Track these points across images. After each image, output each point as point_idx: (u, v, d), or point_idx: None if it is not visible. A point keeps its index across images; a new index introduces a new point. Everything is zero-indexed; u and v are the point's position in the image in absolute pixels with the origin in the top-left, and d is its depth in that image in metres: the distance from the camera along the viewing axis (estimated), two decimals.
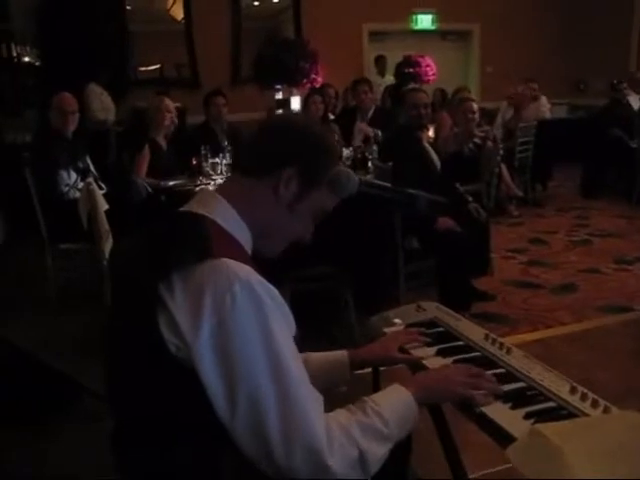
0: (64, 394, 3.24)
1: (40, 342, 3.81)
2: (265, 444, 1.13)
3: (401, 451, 1.43)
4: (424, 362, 1.63)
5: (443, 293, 3.94)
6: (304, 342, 1.41)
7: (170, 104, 5.22)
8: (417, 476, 1.77)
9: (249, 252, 1.36)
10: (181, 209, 1.35)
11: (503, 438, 1.29)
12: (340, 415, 1.24)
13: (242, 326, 1.13)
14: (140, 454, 1.26)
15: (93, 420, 2.87)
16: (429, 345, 1.70)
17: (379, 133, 5.30)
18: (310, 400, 1.17)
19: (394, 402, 1.32)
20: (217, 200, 1.33)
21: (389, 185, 1.44)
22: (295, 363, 1.18)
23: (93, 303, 4.06)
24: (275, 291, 1.20)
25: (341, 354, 1.67)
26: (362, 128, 5.73)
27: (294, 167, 1.34)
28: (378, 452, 1.22)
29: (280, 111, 8.23)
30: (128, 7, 9.39)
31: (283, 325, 1.19)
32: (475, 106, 5.18)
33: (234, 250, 1.26)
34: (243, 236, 1.33)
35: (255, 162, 1.38)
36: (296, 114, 1.53)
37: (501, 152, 6.10)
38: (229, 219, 1.32)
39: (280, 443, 1.13)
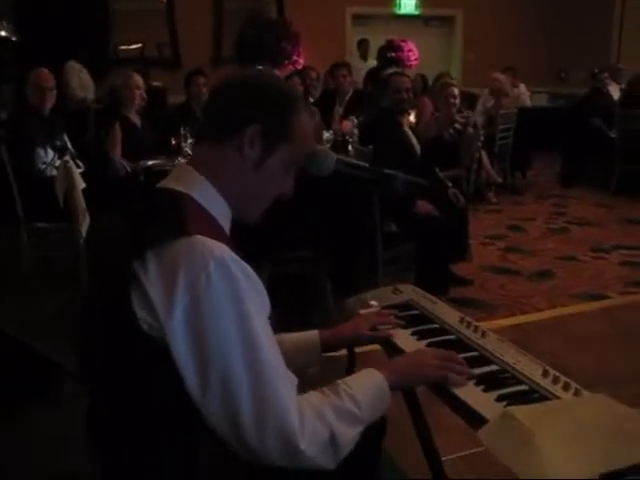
0: (41, 374, 3.21)
1: (16, 321, 3.78)
2: (237, 425, 1.13)
3: (375, 434, 1.43)
4: (398, 343, 1.63)
5: (421, 277, 3.95)
6: (280, 325, 1.41)
7: (139, 80, 5.18)
8: (390, 459, 1.78)
9: (227, 228, 1.34)
10: (158, 185, 1.33)
11: (475, 420, 1.30)
12: (313, 397, 1.24)
13: (216, 306, 1.12)
14: (113, 436, 1.25)
15: (72, 401, 2.86)
16: (404, 327, 1.70)
17: (354, 120, 5.29)
18: (283, 382, 1.17)
19: (367, 385, 1.32)
20: (192, 175, 1.31)
21: (366, 165, 1.42)
22: (269, 344, 1.17)
23: (69, 282, 4.02)
24: (250, 269, 1.18)
25: (313, 334, 1.66)
26: (342, 122, 5.72)
27: (256, 124, 1.30)
28: (350, 434, 1.23)
29: None
30: None
31: (258, 305, 1.18)
32: (456, 91, 5.17)
33: (210, 227, 1.24)
34: (220, 211, 1.32)
35: (216, 126, 1.35)
36: (252, 71, 1.48)
37: (481, 138, 6.13)
38: (205, 194, 1.30)
39: (252, 425, 1.12)
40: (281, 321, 1.39)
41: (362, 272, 3.75)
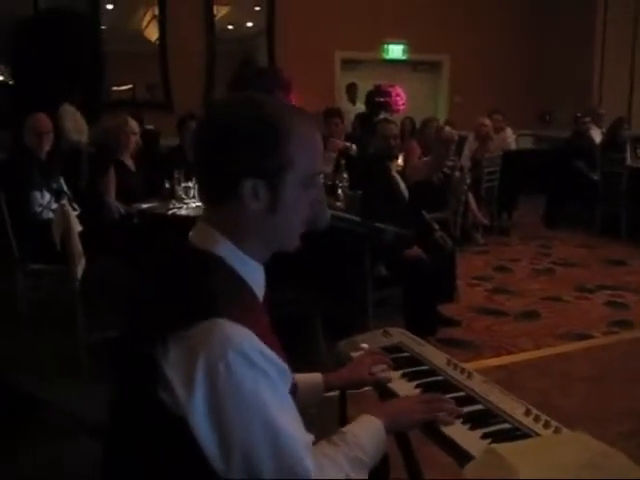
0: (30, 413, 3.24)
1: (9, 363, 3.82)
2: None
3: (379, 474, 1.51)
4: (389, 385, 1.72)
5: (409, 319, 4.04)
6: None
7: (135, 126, 5.30)
8: None
9: (261, 283, 1.34)
10: (190, 241, 1.31)
11: (462, 457, 1.39)
12: (326, 448, 1.32)
13: (235, 392, 1.14)
14: None
15: (60, 440, 2.90)
16: (395, 369, 1.79)
17: (354, 147, 5.38)
18: (302, 450, 1.20)
19: (369, 431, 1.41)
20: (215, 237, 1.27)
21: (358, 219, 1.51)
22: (287, 418, 1.20)
23: (63, 324, 4.07)
24: (267, 350, 1.18)
25: (316, 377, 1.75)
26: (334, 143, 5.84)
27: (248, 178, 1.24)
28: (361, 479, 1.32)
29: None
30: (103, 27, 9.44)
31: (276, 382, 1.20)
32: (455, 135, 5.30)
33: (240, 294, 1.25)
34: (250, 270, 1.30)
35: (211, 190, 1.31)
36: (221, 106, 1.36)
37: (468, 181, 6.26)
38: (232, 256, 1.27)
39: None
40: None
41: (353, 314, 3.84)
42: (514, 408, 1.54)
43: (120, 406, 1.29)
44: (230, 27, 10.49)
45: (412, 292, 4.03)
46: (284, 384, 1.24)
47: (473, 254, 6.82)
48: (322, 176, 1.37)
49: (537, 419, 1.48)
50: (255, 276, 1.33)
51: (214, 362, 1.13)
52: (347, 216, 1.51)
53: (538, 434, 1.43)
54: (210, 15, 9.99)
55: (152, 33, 9.99)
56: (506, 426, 1.49)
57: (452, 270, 4.63)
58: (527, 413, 1.51)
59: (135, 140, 5.30)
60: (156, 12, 9.74)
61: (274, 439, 1.17)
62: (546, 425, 1.45)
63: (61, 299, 4.29)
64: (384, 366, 1.79)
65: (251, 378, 1.15)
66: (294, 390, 1.34)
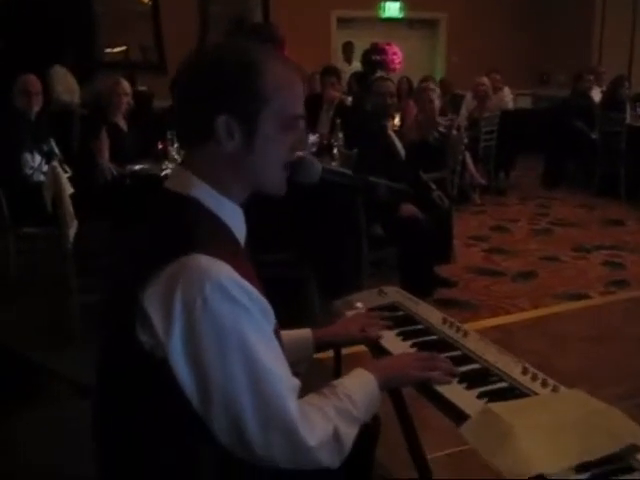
0: (29, 379, 3.23)
1: (4, 326, 3.79)
2: (242, 435, 1.16)
3: (369, 433, 1.48)
4: (384, 344, 1.68)
5: (405, 280, 4.01)
6: None
7: (126, 86, 5.23)
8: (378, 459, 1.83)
9: (240, 227, 1.32)
10: (165, 187, 1.29)
11: (458, 417, 1.35)
12: (313, 399, 1.28)
13: (213, 327, 1.12)
14: (116, 444, 1.27)
15: (57, 404, 2.88)
16: (389, 328, 1.75)
17: (349, 99, 5.27)
18: (286, 391, 1.18)
19: (361, 386, 1.37)
20: (192, 180, 1.26)
21: (350, 172, 1.46)
22: (270, 357, 1.18)
23: (56, 287, 4.04)
24: (248, 286, 1.16)
25: (305, 332, 1.70)
26: (330, 93, 5.76)
27: (221, 114, 1.21)
28: (351, 432, 1.27)
29: None
30: None
31: (258, 320, 1.18)
32: (434, 95, 5.23)
33: (218, 235, 1.23)
34: (229, 213, 1.28)
35: (186, 132, 1.31)
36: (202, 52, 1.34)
37: (465, 141, 6.19)
38: (210, 198, 1.25)
39: (257, 434, 1.15)
40: None
41: (347, 274, 3.80)
42: (511, 367, 1.51)
43: (104, 355, 1.28)
44: None
45: (408, 252, 3.99)
46: (267, 323, 1.21)
47: (470, 214, 6.78)
48: (303, 121, 1.34)
49: (534, 378, 1.44)
50: (234, 218, 1.31)
51: (191, 297, 1.11)
52: (339, 169, 1.46)
53: (535, 393, 1.40)
54: None
55: None
56: (503, 385, 1.46)
57: (449, 230, 4.58)
58: (524, 372, 1.47)
59: (127, 101, 5.21)
60: None
61: (255, 378, 1.15)
62: (544, 384, 1.42)
63: (54, 262, 4.24)
64: (379, 327, 1.75)
65: (231, 313, 1.13)
66: (278, 333, 1.29)
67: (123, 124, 5.21)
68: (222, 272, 1.14)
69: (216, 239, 1.21)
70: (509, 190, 7.94)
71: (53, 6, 7.83)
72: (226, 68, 1.23)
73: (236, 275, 1.15)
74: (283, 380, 1.19)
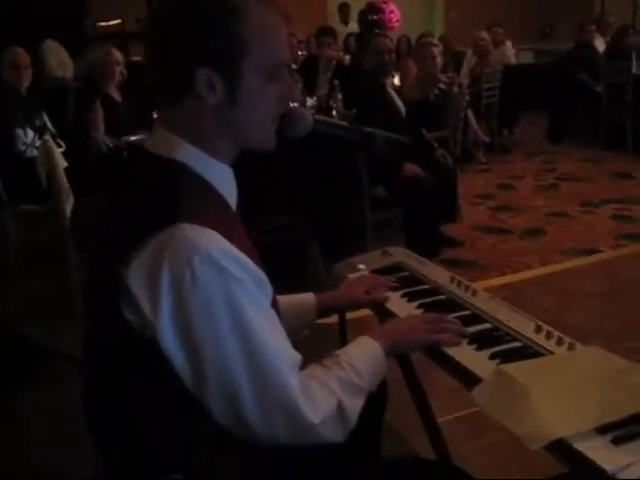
0: (31, 358, 3.19)
1: (4, 305, 3.75)
2: (241, 415, 1.09)
3: (377, 401, 1.41)
4: (389, 306, 1.60)
5: (411, 240, 3.93)
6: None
7: (118, 56, 5.11)
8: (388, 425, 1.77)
9: (231, 190, 1.23)
10: (146, 151, 1.19)
11: (470, 380, 1.28)
12: (315, 371, 1.21)
13: (204, 302, 1.04)
14: (109, 424, 1.20)
15: (59, 382, 2.84)
16: (395, 289, 1.67)
17: (347, 57, 5.17)
18: (284, 363, 1.11)
19: (365, 354, 1.29)
20: (175, 142, 1.16)
21: (345, 124, 1.37)
22: (268, 331, 1.10)
23: (56, 264, 3.98)
24: (241, 256, 1.08)
25: (309, 296, 1.63)
26: (327, 52, 5.65)
27: (201, 66, 1.11)
28: (355, 405, 1.20)
29: None
30: None
31: (253, 292, 1.09)
32: (436, 50, 5.09)
33: (206, 200, 1.14)
34: (217, 174, 1.19)
35: (163, 87, 1.18)
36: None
37: (467, 98, 6.04)
38: (195, 160, 1.16)
39: (257, 413, 1.08)
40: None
41: (351, 236, 3.73)
42: (524, 325, 1.43)
43: (90, 334, 1.20)
44: None
45: (413, 213, 3.91)
46: (263, 294, 1.13)
47: (475, 173, 6.67)
48: (289, 68, 1.26)
49: (549, 336, 1.36)
50: (223, 180, 1.21)
51: (179, 270, 1.03)
52: (333, 121, 1.37)
53: (551, 352, 1.32)
54: None
55: None
56: (516, 344, 1.38)
57: (454, 189, 4.49)
58: (538, 330, 1.39)
59: (120, 71, 5.09)
60: None
61: (252, 354, 1.07)
62: (559, 342, 1.34)
63: (52, 239, 4.17)
64: (383, 288, 1.67)
65: (222, 286, 1.04)
66: (275, 305, 1.21)
67: (117, 95, 5.11)
68: (211, 242, 1.05)
69: (204, 205, 1.11)
70: (513, 147, 7.81)
71: None
72: (203, 14, 1.11)
73: (227, 244, 1.06)
74: (282, 355, 1.11)
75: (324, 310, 1.63)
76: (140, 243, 1.05)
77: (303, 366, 1.19)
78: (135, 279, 1.05)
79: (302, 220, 3.54)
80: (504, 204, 5.58)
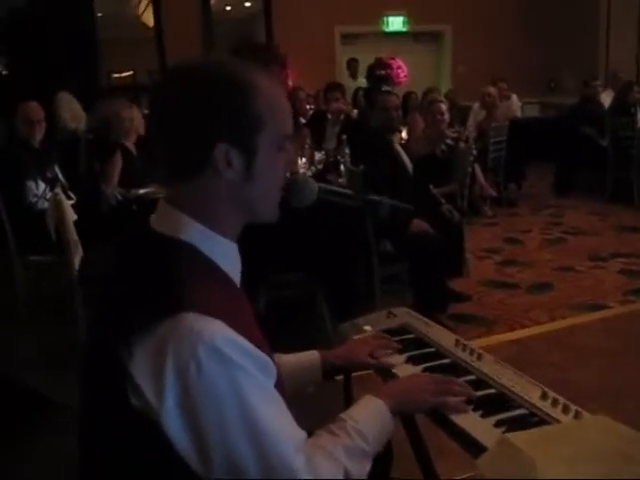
0: (32, 408, 3.18)
1: (7, 355, 3.74)
2: None
3: (382, 463, 1.41)
4: (394, 370, 1.59)
5: (418, 295, 3.94)
6: (279, 350, 1.37)
7: (137, 113, 5.22)
8: None
9: (236, 266, 1.24)
10: (153, 228, 1.18)
11: (474, 447, 1.26)
12: (322, 440, 1.20)
13: (209, 392, 1.04)
14: None
15: (60, 434, 2.82)
16: (399, 352, 1.67)
17: (355, 111, 5.23)
18: (291, 450, 1.10)
19: (371, 416, 1.29)
20: (181, 220, 1.16)
21: (350, 192, 1.39)
22: (272, 416, 1.10)
23: (62, 315, 3.99)
24: (244, 342, 1.07)
25: (312, 355, 1.63)
26: (336, 106, 5.71)
27: (220, 142, 1.12)
28: (362, 469, 1.20)
29: None
30: (99, 14, 9.33)
31: (257, 378, 1.09)
32: (444, 107, 5.17)
33: (211, 285, 1.13)
34: (224, 252, 1.19)
35: (177, 163, 1.18)
36: (180, 72, 1.20)
37: (474, 152, 6.11)
38: (202, 239, 1.15)
39: None
40: (280, 348, 1.35)
41: (359, 293, 3.73)
42: (529, 391, 1.42)
43: (88, 411, 1.18)
44: (228, 8, 10.36)
45: (420, 268, 3.90)
46: (266, 378, 1.12)
47: (482, 226, 6.68)
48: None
49: (555, 403, 1.35)
50: (229, 257, 1.22)
51: (184, 362, 1.02)
52: (338, 189, 1.38)
53: (557, 420, 1.30)
54: None
55: (149, 19, 9.89)
56: (522, 412, 1.37)
57: (460, 243, 4.50)
58: (544, 396, 1.38)
59: (139, 125, 5.21)
60: None
61: (257, 440, 1.06)
62: (565, 409, 1.32)
63: (60, 290, 4.19)
64: (389, 351, 1.66)
65: (226, 375, 1.04)
66: (280, 384, 1.20)
67: (133, 148, 5.22)
68: (216, 332, 1.04)
69: (209, 290, 1.11)
70: (520, 200, 7.85)
71: (57, 33, 7.87)
72: (219, 93, 1.14)
73: (231, 332, 1.06)
74: (287, 439, 1.10)
75: (329, 368, 1.63)
76: (143, 329, 1.04)
77: (308, 424, 1.19)
78: (139, 368, 1.04)
79: (310, 275, 3.55)
80: (511, 258, 5.57)
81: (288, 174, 1.31)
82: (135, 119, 5.18)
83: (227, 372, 1.04)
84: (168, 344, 1.03)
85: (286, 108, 1.22)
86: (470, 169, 5.94)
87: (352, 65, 10.07)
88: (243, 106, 1.14)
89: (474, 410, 1.37)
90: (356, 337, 1.79)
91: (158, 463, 1.08)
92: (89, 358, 1.18)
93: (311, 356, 1.63)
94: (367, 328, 1.84)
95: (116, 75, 9.77)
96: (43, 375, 3.48)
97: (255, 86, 1.16)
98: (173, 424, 1.04)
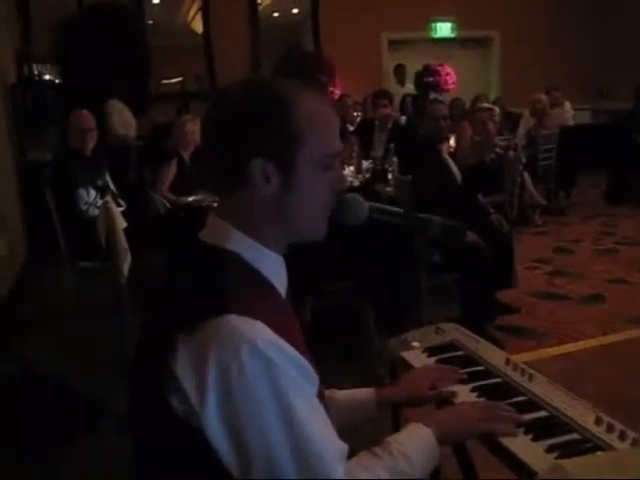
0: (82, 414, 3.23)
1: (58, 361, 3.81)
2: None
3: None
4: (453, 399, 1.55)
5: (466, 307, 3.88)
6: (324, 360, 1.36)
7: (195, 125, 5.32)
8: None
9: (282, 278, 1.25)
10: (203, 239, 1.21)
11: (525, 473, 1.23)
12: (365, 460, 1.18)
13: (251, 394, 1.03)
14: None
15: (113, 440, 2.86)
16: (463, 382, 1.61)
17: (403, 118, 5.24)
18: (331, 456, 1.09)
19: (417, 442, 1.26)
20: (230, 232, 1.18)
21: (400, 211, 1.37)
22: (314, 421, 1.09)
23: (110, 321, 4.04)
24: (287, 347, 1.08)
25: (369, 392, 1.59)
26: (384, 113, 5.70)
27: (256, 157, 1.14)
28: None
29: None
30: (149, 22, 9.49)
31: (299, 382, 1.08)
32: (492, 115, 5.10)
33: (257, 291, 1.14)
34: (269, 264, 1.20)
35: (217, 179, 1.21)
36: (224, 90, 1.24)
37: (523, 160, 6.02)
38: (249, 250, 1.18)
39: None
40: (326, 358, 1.33)
41: (406, 303, 3.69)
42: (583, 415, 1.37)
43: (136, 419, 1.19)
44: (275, 15, 10.42)
45: (468, 279, 3.85)
46: (309, 385, 1.12)
47: (531, 236, 6.57)
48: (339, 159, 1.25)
49: (611, 428, 1.30)
50: (274, 269, 1.22)
51: (226, 363, 1.02)
52: (388, 208, 1.36)
53: (613, 447, 1.26)
54: (254, 4, 9.92)
55: (198, 26, 10.01)
56: (575, 437, 1.32)
57: (510, 254, 4.42)
58: (598, 422, 1.33)
59: (193, 139, 5.30)
60: (201, 4, 9.73)
61: (298, 446, 1.05)
62: (622, 436, 1.28)
63: (109, 296, 4.25)
64: (451, 380, 1.60)
65: (269, 377, 1.04)
66: (322, 396, 1.20)
67: (188, 157, 5.31)
68: (259, 334, 1.05)
69: (254, 297, 1.12)
70: (571, 209, 7.71)
71: (108, 41, 8.00)
72: (257, 107, 1.15)
73: (274, 336, 1.06)
74: (328, 445, 1.09)
75: (387, 404, 1.59)
76: (188, 330, 1.06)
77: (354, 450, 1.17)
78: (182, 370, 1.05)
79: (357, 285, 3.53)
80: (561, 269, 5.46)
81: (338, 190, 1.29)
82: (194, 132, 5.28)
83: (269, 374, 1.04)
84: (211, 345, 1.03)
85: (331, 125, 1.21)
86: (519, 178, 5.86)
87: (399, 71, 10.03)
88: (280, 121, 1.15)
89: (525, 433, 1.34)
90: (404, 354, 1.77)
91: (200, 469, 1.08)
92: (137, 363, 1.20)
93: (367, 394, 1.59)
94: (415, 344, 1.82)
95: (165, 81, 9.89)
96: (91, 381, 3.53)
97: (294, 101, 1.16)
98: (214, 425, 1.04)
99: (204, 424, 1.04)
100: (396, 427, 1.72)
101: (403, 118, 5.57)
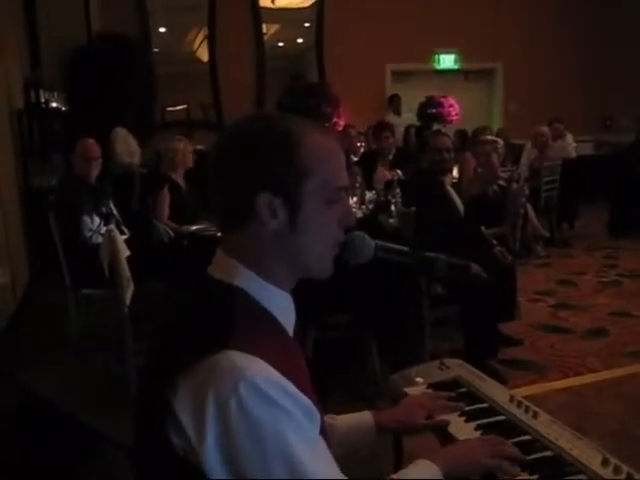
0: (84, 444, 3.20)
1: (60, 389, 3.79)
2: None
3: None
4: (449, 429, 1.55)
5: (469, 339, 3.86)
6: (328, 394, 1.35)
7: (188, 146, 5.32)
8: None
9: (290, 315, 1.24)
10: (210, 275, 1.21)
11: None
12: None
13: (250, 432, 1.02)
14: None
15: (113, 471, 2.84)
16: (461, 414, 1.62)
17: (399, 172, 5.27)
18: None
19: (423, 477, 1.26)
20: (237, 269, 1.17)
21: (406, 249, 1.37)
22: (316, 462, 1.07)
23: (112, 350, 4.03)
24: (289, 385, 1.06)
25: (367, 416, 1.59)
26: (382, 173, 5.72)
27: (263, 192, 1.14)
28: None
29: None
30: (156, 49, 9.59)
31: (301, 422, 1.07)
32: (496, 147, 5.10)
33: (260, 329, 1.13)
34: (277, 302, 1.19)
35: (224, 217, 1.21)
36: (229, 128, 1.24)
37: (526, 192, 6.02)
38: (256, 288, 1.17)
39: None
40: (329, 391, 1.32)
41: (409, 335, 3.68)
42: (589, 456, 1.36)
43: (138, 454, 1.18)
44: (280, 44, 10.53)
45: (471, 311, 3.83)
46: (311, 424, 1.09)
47: (534, 267, 6.56)
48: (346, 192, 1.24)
49: (618, 471, 1.29)
50: (282, 306, 1.21)
51: (224, 399, 1.01)
52: (394, 246, 1.36)
53: None
54: (259, 33, 10.02)
55: (204, 54, 10.11)
56: (581, 478, 1.31)
57: (512, 286, 4.41)
58: (605, 463, 1.32)
59: (188, 159, 5.30)
60: (207, 33, 9.84)
61: (295, 474, 1.03)
62: (629, 479, 1.27)
63: (111, 324, 4.24)
64: (447, 409, 1.62)
65: (269, 416, 1.02)
66: (324, 432, 1.18)
67: (182, 182, 5.29)
68: (258, 371, 1.03)
69: (258, 333, 1.11)
70: (574, 241, 7.69)
71: (115, 69, 8.07)
72: (263, 143, 1.15)
73: (275, 373, 1.05)
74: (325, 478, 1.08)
75: (383, 430, 1.59)
76: (188, 365, 1.05)
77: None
78: (182, 405, 1.04)
79: (360, 318, 3.52)
80: (564, 301, 5.44)
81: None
82: (183, 152, 5.27)
83: (269, 413, 1.02)
84: (210, 380, 1.02)
85: (337, 160, 1.21)
86: (522, 210, 5.85)
87: (394, 101, 10.08)
88: (286, 156, 1.15)
89: (530, 474, 1.33)
90: (407, 389, 1.76)
91: None
92: (139, 395, 1.20)
93: (365, 419, 1.58)
94: (419, 380, 1.81)
95: (170, 109, 9.96)
96: (93, 410, 3.51)
97: (300, 136, 1.16)
98: (213, 463, 1.02)
99: (203, 460, 1.03)
100: (398, 457, 1.72)
101: (399, 173, 5.52)
